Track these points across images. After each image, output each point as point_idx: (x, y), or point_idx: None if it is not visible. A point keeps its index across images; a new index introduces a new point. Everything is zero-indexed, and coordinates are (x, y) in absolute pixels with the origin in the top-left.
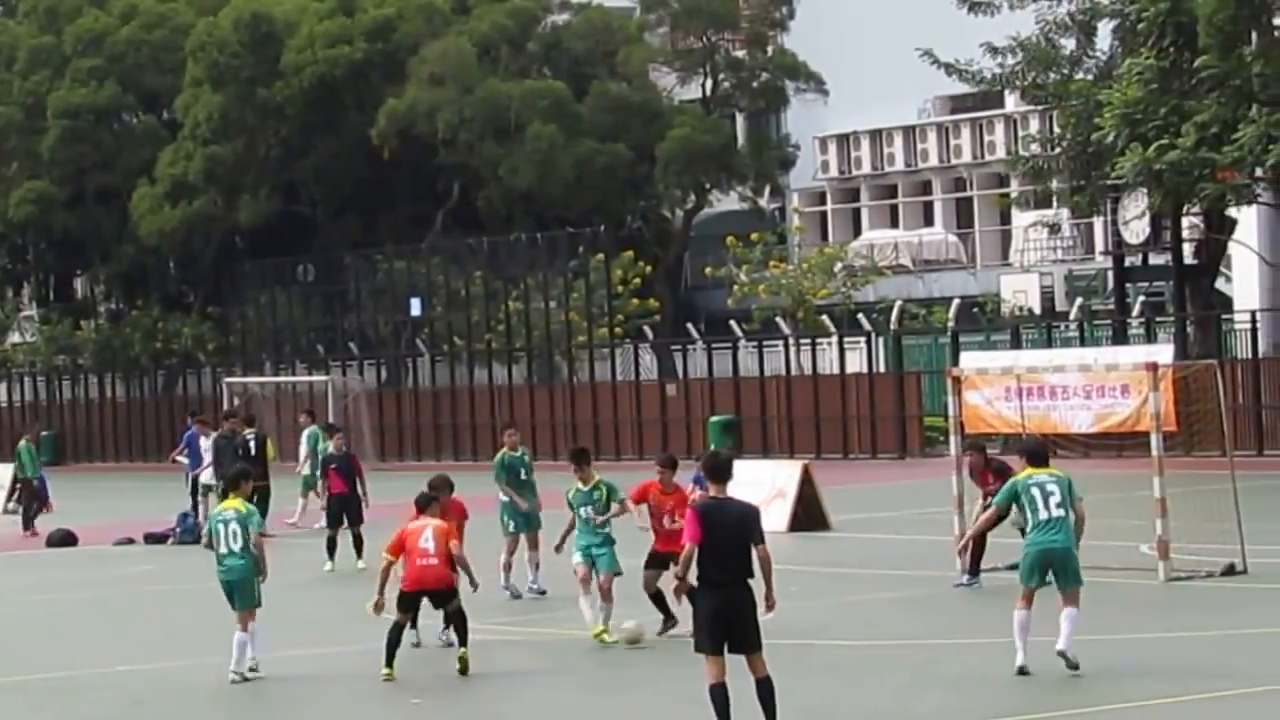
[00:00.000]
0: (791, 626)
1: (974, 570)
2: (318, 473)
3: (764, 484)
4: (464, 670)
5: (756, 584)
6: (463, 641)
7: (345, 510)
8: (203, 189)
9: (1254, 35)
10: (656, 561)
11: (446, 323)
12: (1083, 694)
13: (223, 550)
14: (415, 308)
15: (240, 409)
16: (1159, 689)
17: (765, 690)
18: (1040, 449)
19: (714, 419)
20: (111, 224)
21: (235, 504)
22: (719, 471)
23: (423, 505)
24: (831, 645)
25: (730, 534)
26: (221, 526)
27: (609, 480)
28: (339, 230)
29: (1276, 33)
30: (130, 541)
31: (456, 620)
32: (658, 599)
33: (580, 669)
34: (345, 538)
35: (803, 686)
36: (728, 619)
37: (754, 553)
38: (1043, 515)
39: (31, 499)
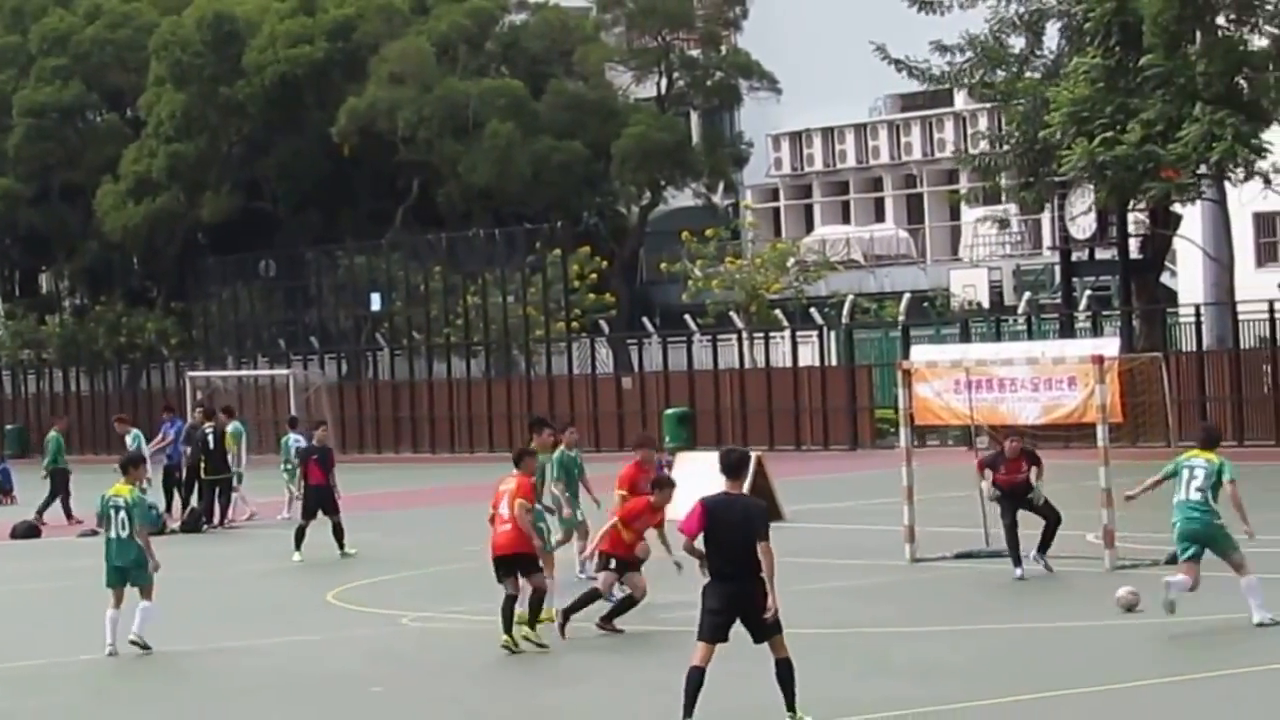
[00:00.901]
0: None
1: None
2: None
3: (717, 475)
4: (513, 648)
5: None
6: (529, 619)
7: (322, 502)
8: (166, 186)
9: (1198, 34)
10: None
11: (406, 317)
12: (1031, 681)
13: (112, 535)
14: (375, 302)
15: (204, 403)
16: (1105, 675)
17: (785, 670)
18: (1208, 432)
19: (669, 411)
20: (76, 220)
21: (125, 490)
22: (733, 469)
23: (515, 461)
24: (784, 634)
25: (735, 530)
26: (112, 511)
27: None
28: (300, 226)
29: (1220, 32)
30: (94, 533)
31: (531, 597)
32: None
33: (540, 658)
34: (319, 531)
35: (755, 673)
36: (740, 611)
37: (759, 549)
38: (1181, 496)
39: (60, 489)
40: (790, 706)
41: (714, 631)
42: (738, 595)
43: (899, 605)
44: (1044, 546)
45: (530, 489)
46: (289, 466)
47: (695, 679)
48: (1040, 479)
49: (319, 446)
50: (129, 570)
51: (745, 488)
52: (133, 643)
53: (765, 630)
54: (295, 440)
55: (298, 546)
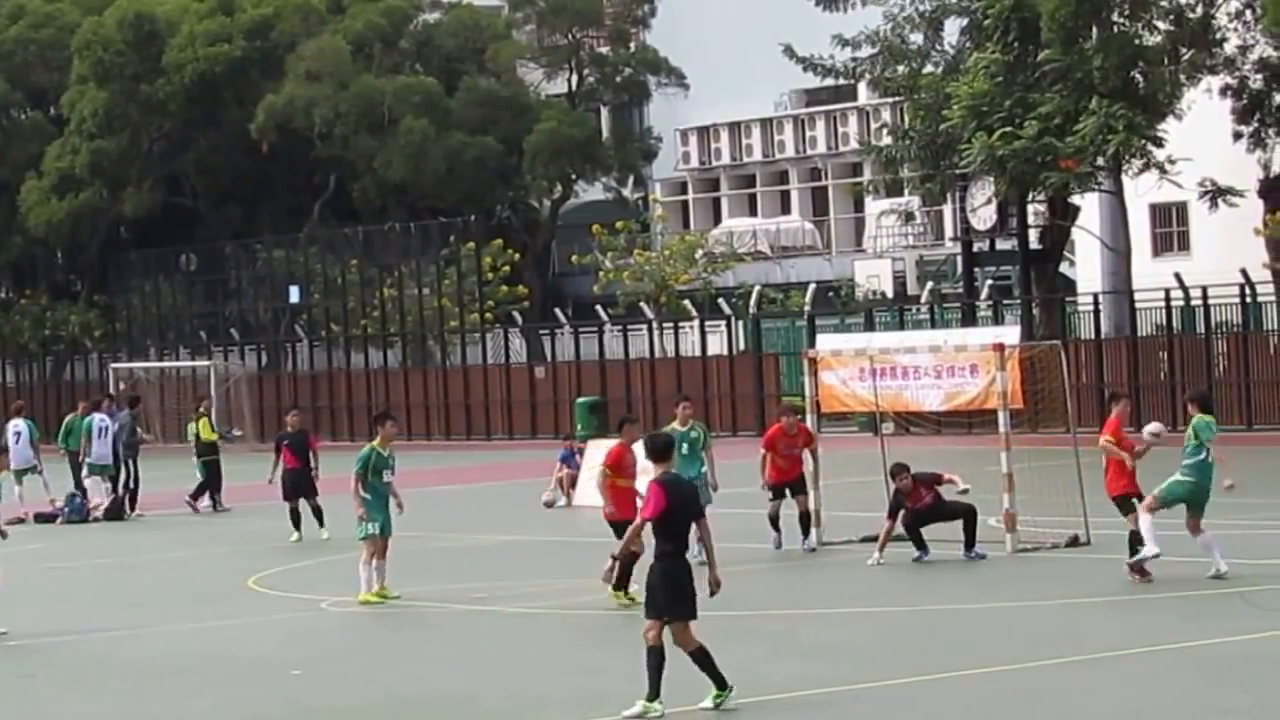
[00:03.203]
0: None
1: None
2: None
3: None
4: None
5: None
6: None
7: (297, 484)
8: (89, 182)
9: (1094, 30)
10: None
11: (324, 309)
12: (932, 662)
13: None
14: (294, 295)
15: (126, 393)
16: (1007, 656)
17: (702, 656)
18: (1198, 394)
19: (581, 400)
20: (1, 216)
21: None
22: (660, 452)
23: (617, 428)
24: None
25: (686, 508)
26: None
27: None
28: (220, 221)
29: (1115, 27)
30: (20, 521)
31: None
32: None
33: (463, 639)
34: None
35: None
36: (679, 587)
37: (697, 526)
38: (1182, 459)
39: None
40: (720, 685)
41: (666, 607)
42: (681, 572)
43: (806, 588)
44: (970, 543)
45: (618, 456)
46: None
47: (656, 657)
48: (955, 483)
49: (291, 432)
50: None
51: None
52: None
53: (688, 610)
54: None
55: (295, 527)
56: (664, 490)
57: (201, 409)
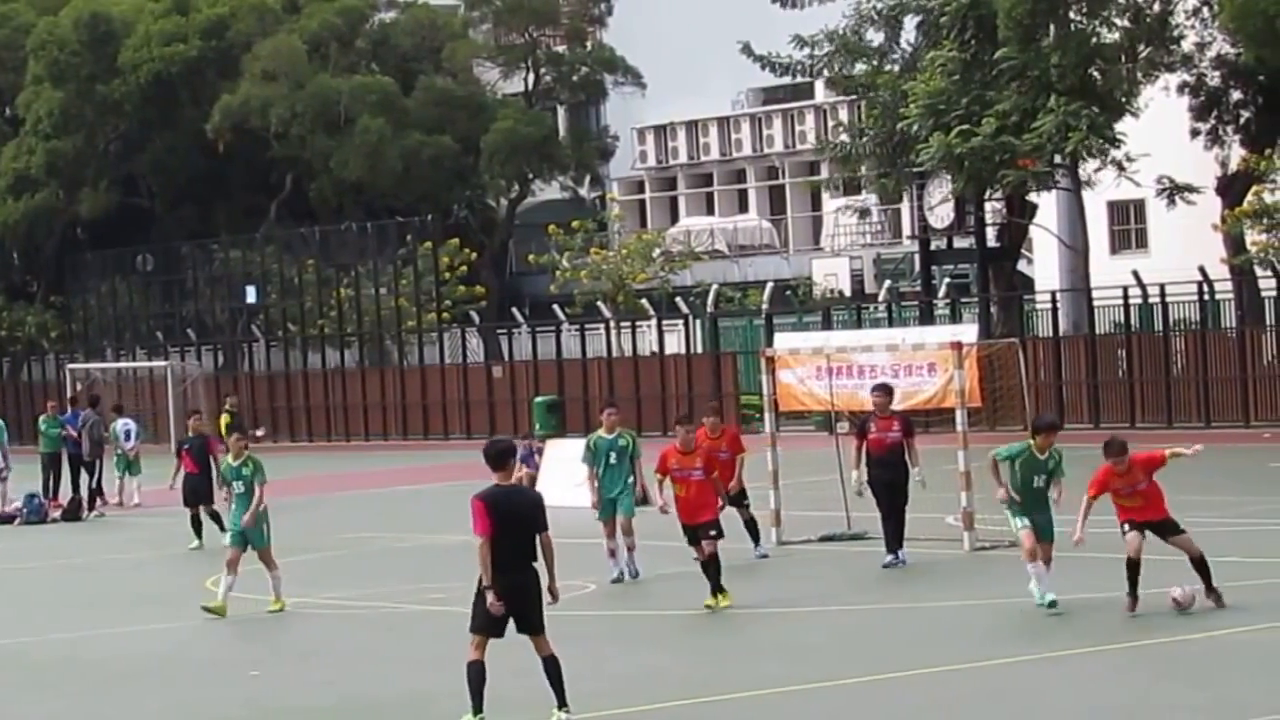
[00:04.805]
0: (614, 598)
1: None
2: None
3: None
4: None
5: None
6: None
7: (196, 490)
8: (44, 182)
9: (1051, 28)
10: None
11: (281, 309)
12: (893, 660)
13: None
14: (250, 295)
15: (83, 394)
16: (965, 654)
17: (553, 667)
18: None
19: (538, 399)
20: None
21: None
22: (500, 459)
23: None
24: (653, 615)
25: (519, 522)
26: None
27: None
28: (176, 221)
29: (1073, 25)
30: None
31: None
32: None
33: (421, 640)
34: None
35: (624, 654)
36: (516, 602)
37: (539, 540)
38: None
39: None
40: (561, 703)
41: (492, 625)
42: (517, 588)
43: (766, 587)
44: (896, 543)
45: (666, 456)
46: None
47: (478, 671)
48: (916, 461)
49: (192, 437)
50: None
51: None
52: None
53: (533, 624)
54: (124, 424)
55: (196, 534)
56: (486, 507)
57: (227, 405)
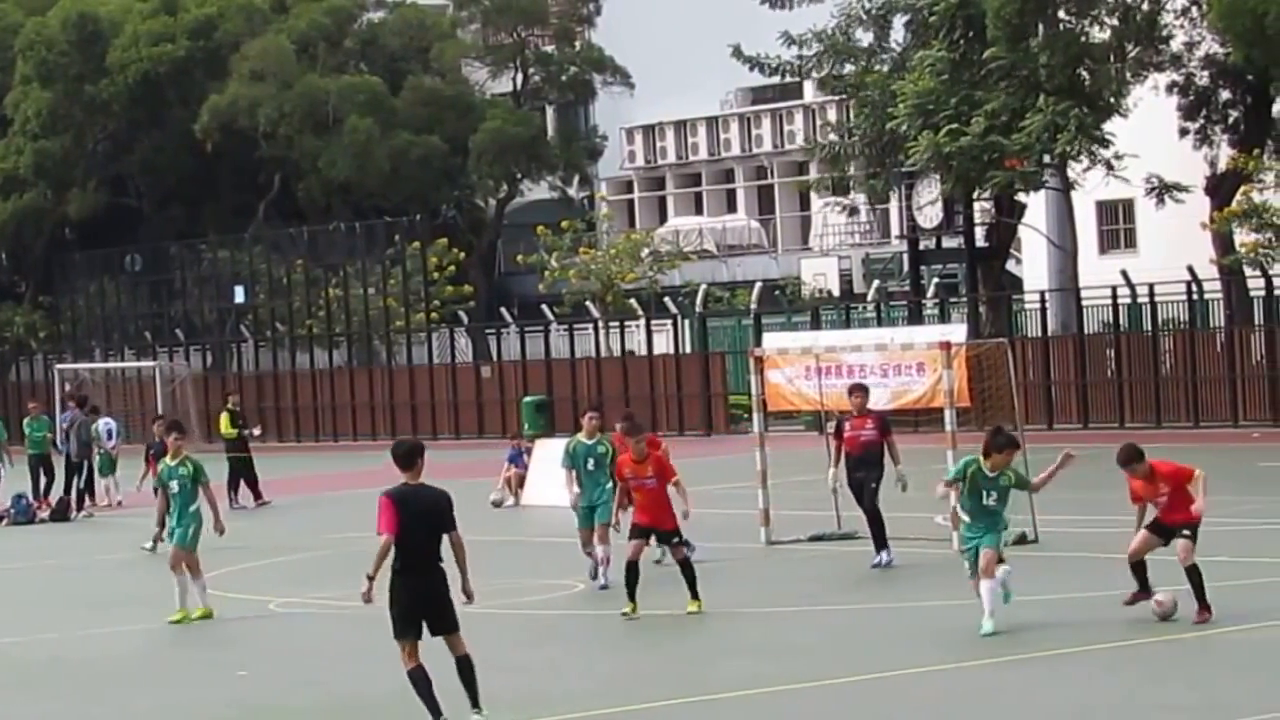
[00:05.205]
0: (601, 598)
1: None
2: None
3: None
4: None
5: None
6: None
7: None
8: (33, 182)
9: (1040, 28)
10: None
11: (269, 309)
12: (880, 660)
13: None
14: (239, 295)
15: (72, 394)
16: (952, 654)
17: (466, 668)
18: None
19: (527, 399)
20: None
21: None
22: (409, 458)
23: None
24: (642, 615)
25: (425, 520)
26: None
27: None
28: (165, 221)
29: (1061, 25)
30: None
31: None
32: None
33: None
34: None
35: (603, 655)
36: (425, 605)
37: (448, 539)
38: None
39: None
40: (475, 703)
41: (412, 628)
42: (426, 588)
43: (755, 586)
44: (881, 544)
45: (621, 466)
46: (102, 451)
47: (421, 676)
48: (898, 460)
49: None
50: None
51: (422, 478)
52: None
53: (446, 624)
54: (105, 424)
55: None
56: (394, 504)
57: (229, 404)
